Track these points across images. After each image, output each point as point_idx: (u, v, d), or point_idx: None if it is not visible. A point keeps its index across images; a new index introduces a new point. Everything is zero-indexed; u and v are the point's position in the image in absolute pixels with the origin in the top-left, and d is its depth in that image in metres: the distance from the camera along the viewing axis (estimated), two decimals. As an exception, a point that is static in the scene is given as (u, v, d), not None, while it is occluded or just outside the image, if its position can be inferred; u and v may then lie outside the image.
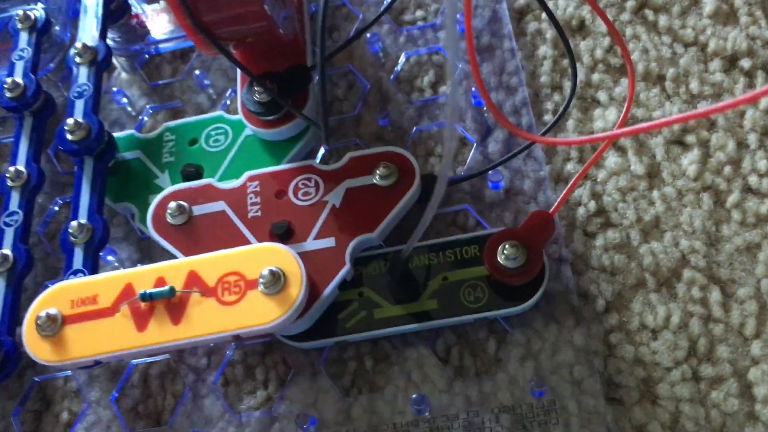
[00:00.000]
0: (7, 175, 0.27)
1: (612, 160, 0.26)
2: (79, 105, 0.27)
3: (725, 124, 0.25)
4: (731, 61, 0.27)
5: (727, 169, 0.25)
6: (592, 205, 0.25)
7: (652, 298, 0.23)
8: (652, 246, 0.24)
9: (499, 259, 0.23)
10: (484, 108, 0.28)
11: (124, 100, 0.30)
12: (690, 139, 0.25)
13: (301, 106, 0.26)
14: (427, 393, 0.23)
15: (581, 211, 0.25)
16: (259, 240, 0.24)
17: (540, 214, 0.23)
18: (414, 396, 0.23)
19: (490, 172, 0.26)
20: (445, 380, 0.23)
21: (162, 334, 0.22)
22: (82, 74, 0.28)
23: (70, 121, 0.26)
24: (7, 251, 0.26)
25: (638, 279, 0.24)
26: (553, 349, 0.23)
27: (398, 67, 0.29)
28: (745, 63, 0.26)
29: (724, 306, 0.23)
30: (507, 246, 0.23)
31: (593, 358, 0.23)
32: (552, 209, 0.24)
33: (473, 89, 0.28)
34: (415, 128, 0.28)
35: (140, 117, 0.30)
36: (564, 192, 0.24)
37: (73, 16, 0.31)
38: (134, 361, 0.25)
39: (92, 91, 0.27)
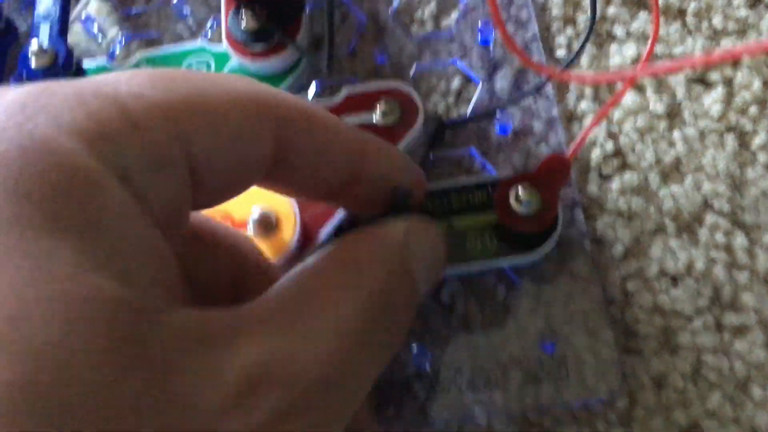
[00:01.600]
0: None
1: (629, 98, 0.24)
2: (44, 29, 0.25)
3: (750, 62, 0.24)
4: (755, -4, 0.25)
5: (753, 109, 0.23)
6: (609, 145, 0.23)
7: (673, 243, 0.22)
8: (672, 189, 0.23)
9: (511, 204, 0.21)
10: (491, 45, 0.26)
11: (95, 29, 0.28)
12: (713, 77, 0.24)
13: (292, 37, 0.24)
14: (429, 345, 0.22)
15: (596, 152, 0.23)
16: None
17: (556, 158, 0.22)
18: (414, 348, 0.21)
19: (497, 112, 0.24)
20: (449, 330, 0.22)
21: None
22: (47, -3, 0.25)
23: (34, 43, 0.24)
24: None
25: (657, 224, 0.22)
26: (566, 298, 0.22)
27: (397, -1, 0.27)
28: (770, -2, 0.25)
29: (749, 252, 0.22)
30: (520, 189, 0.21)
31: (609, 307, 0.21)
32: (570, 152, 0.22)
33: (480, 25, 0.26)
34: (415, 65, 0.26)
35: (112, 47, 0.27)
36: (582, 134, 0.22)
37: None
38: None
39: (59, 14, 0.25)
